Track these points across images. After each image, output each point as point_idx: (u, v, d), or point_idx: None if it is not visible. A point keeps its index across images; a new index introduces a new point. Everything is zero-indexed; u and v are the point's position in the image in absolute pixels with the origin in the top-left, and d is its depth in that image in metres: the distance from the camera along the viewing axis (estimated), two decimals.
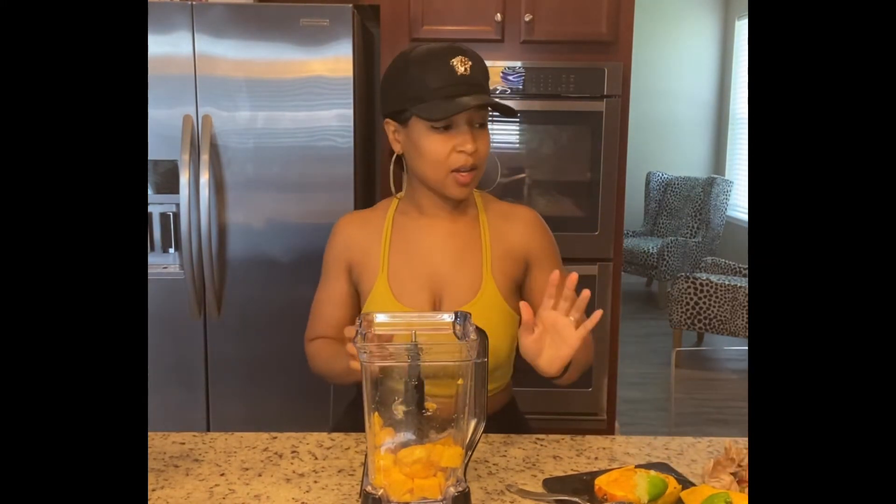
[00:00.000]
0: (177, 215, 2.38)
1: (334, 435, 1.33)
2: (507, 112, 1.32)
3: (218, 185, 2.37)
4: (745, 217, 5.90)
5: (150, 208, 2.39)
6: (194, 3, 2.31)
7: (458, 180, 1.32)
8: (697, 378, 4.19)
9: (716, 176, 5.96)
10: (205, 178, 2.31)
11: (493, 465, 1.23)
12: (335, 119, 2.36)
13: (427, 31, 2.64)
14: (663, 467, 1.19)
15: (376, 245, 1.41)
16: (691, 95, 6.48)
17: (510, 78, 2.62)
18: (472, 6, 2.64)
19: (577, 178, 2.71)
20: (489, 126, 1.36)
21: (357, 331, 1.05)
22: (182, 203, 2.31)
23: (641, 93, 5.79)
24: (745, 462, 1.12)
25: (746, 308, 4.12)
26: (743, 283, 4.22)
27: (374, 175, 2.90)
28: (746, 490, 1.09)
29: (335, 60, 2.34)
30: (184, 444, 1.29)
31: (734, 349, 4.70)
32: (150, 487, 1.14)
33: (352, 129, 2.37)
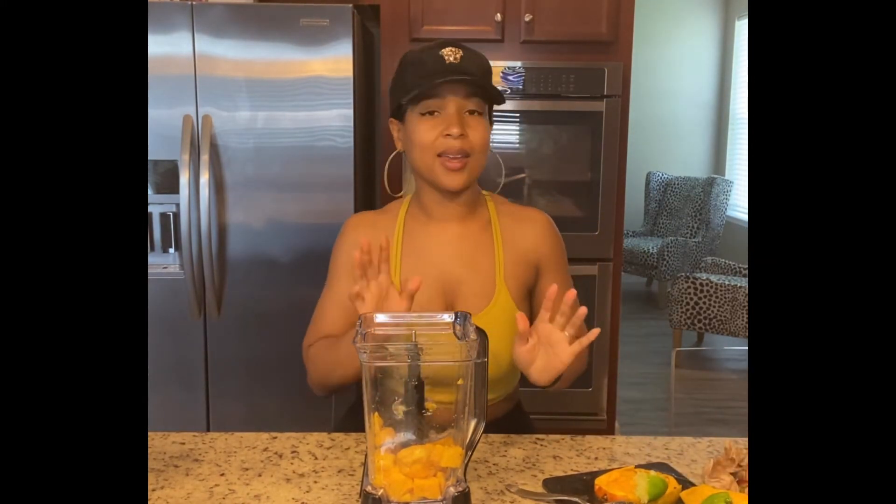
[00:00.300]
0: (177, 215, 2.39)
1: (334, 435, 1.33)
2: (493, 97, 1.32)
3: (218, 185, 2.37)
4: (745, 217, 5.90)
5: (150, 208, 2.39)
6: (194, 3, 2.31)
7: (446, 165, 1.31)
8: (697, 378, 4.19)
9: (716, 176, 5.97)
10: (205, 178, 2.31)
11: (493, 465, 1.23)
12: (335, 119, 2.36)
13: (427, 31, 2.64)
14: (663, 467, 1.19)
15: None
16: (691, 95, 6.48)
17: (510, 78, 2.62)
18: (472, 6, 2.64)
19: (577, 178, 2.71)
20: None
21: (357, 331, 1.05)
22: (182, 203, 2.31)
23: (641, 93, 5.79)
24: (745, 462, 1.12)
25: (746, 308, 4.12)
26: (743, 283, 4.22)
27: (374, 175, 2.90)
28: (746, 490, 1.09)
29: (335, 60, 2.34)
30: (184, 444, 1.29)
31: (734, 349, 4.70)
32: (150, 487, 1.14)
33: (352, 129, 2.37)
